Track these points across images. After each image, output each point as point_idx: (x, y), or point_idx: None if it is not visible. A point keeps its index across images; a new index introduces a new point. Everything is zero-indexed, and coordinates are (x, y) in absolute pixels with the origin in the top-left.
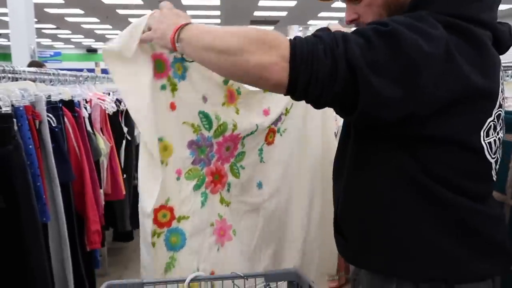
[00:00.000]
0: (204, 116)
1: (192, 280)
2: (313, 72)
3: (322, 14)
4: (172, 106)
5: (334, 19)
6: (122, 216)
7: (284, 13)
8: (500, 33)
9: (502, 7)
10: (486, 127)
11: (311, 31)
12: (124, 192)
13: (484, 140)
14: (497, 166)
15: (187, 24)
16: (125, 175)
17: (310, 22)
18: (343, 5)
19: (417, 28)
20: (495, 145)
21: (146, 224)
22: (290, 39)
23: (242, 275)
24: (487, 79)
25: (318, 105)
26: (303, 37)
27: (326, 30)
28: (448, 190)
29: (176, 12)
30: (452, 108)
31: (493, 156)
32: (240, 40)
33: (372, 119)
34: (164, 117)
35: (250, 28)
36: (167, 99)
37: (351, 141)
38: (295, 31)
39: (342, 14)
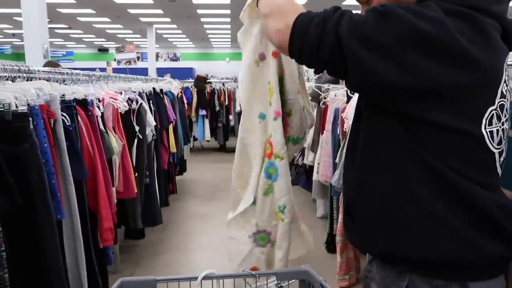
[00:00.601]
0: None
1: (204, 277)
2: (304, 41)
3: None
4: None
5: None
6: (133, 214)
7: None
8: (510, 25)
9: None
10: (488, 115)
11: None
12: (136, 191)
13: (485, 128)
14: (502, 159)
15: None
16: (136, 174)
17: None
18: (354, 2)
19: (413, 9)
20: (497, 135)
21: None
22: (301, 12)
23: (254, 273)
24: (489, 59)
25: (313, 68)
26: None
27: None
28: (457, 174)
29: None
30: (451, 91)
31: (496, 147)
32: (270, 6)
33: (363, 90)
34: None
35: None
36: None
37: (362, 127)
38: None
39: (354, 12)
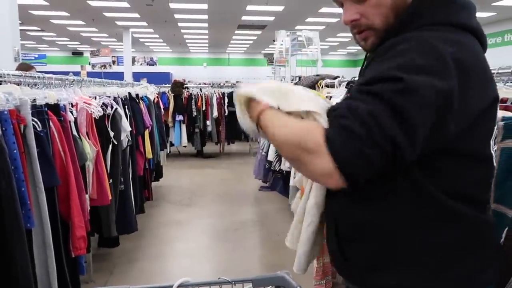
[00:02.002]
0: None
1: (179, 286)
2: (369, 168)
3: (309, 19)
4: None
5: (320, 24)
6: (107, 222)
7: (271, 18)
8: (484, 39)
9: (482, 14)
10: (494, 135)
11: (299, 35)
12: (110, 197)
13: (492, 149)
14: None
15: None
16: (111, 180)
17: (297, 27)
18: (330, 10)
19: (427, 69)
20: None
21: None
22: (325, 144)
23: (229, 280)
24: (494, 84)
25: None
26: (332, 133)
27: (342, 111)
28: (461, 203)
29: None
30: (473, 124)
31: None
32: (289, 148)
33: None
34: None
35: (291, 133)
36: None
37: None
38: (283, 35)
39: (329, 20)
